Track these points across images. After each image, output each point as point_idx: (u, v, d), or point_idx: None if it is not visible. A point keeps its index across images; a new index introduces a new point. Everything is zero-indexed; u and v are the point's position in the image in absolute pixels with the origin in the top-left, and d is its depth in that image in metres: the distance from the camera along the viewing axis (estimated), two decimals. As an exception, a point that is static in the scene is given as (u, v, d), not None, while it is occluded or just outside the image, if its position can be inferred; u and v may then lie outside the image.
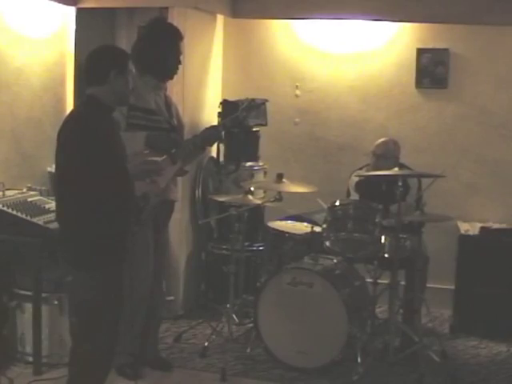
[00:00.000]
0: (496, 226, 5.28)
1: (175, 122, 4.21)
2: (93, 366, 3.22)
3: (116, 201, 3.09)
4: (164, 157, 3.85)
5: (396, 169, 4.71)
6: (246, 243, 4.93)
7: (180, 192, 4.94)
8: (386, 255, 4.42)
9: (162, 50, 4.02)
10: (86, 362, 3.21)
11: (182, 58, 4.19)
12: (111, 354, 3.27)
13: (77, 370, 3.23)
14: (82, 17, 5.30)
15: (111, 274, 3.17)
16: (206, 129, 4.22)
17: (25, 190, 4.48)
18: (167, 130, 4.09)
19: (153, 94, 4.07)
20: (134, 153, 3.54)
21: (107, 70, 3.10)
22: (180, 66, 4.16)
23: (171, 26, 4.25)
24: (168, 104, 4.20)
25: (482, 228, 5.09)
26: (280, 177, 4.53)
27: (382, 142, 4.85)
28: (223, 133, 4.40)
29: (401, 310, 4.60)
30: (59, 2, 5.04)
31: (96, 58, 3.18)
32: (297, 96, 5.80)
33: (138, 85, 3.92)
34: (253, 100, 4.26)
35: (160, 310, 4.41)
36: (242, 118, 4.24)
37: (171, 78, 4.20)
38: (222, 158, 5.55)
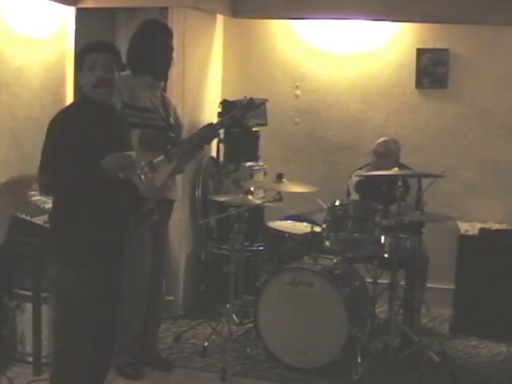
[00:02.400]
0: (496, 226, 5.28)
1: (172, 121, 4.22)
2: (70, 368, 3.20)
3: (89, 197, 3.06)
4: (161, 157, 3.86)
5: (396, 169, 4.72)
6: (246, 243, 4.92)
7: (180, 192, 4.95)
8: (386, 255, 4.43)
9: (151, 48, 4.04)
10: (66, 363, 3.21)
11: (174, 55, 4.21)
12: (96, 358, 3.21)
13: (56, 371, 3.24)
14: (82, 17, 5.30)
15: (100, 274, 3.12)
16: (204, 127, 4.19)
17: (25, 189, 4.47)
18: (163, 128, 4.10)
19: (148, 93, 4.09)
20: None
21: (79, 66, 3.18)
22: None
23: (160, 24, 4.27)
24: (165, 103, 4.21)
25: (482, 229, 5.09)
26: (280, 177, 4.53)
27: (383, 140, 4.85)
28: (222, 131, 4.40)
29: (401, 310, 4.60)
30: (59, 2, 5.04)
31: None
32: (297, 96, 5.80)
33: (132, 84, 4.00)
34: (251, 99, 4.24)
35: (159, 310, 4.42)
36: (239, 116, 4.20)
37: (164, 75, 4.24)
38: (221, 158, 5.55)
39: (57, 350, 3.28)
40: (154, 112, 4.08)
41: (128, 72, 4.10)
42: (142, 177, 3.88)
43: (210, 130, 4.16)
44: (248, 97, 4.33)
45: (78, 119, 3.11)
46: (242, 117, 4.22)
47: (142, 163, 3.88)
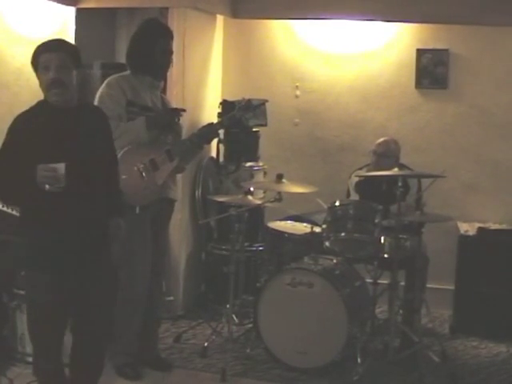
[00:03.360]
0: (496, 226, 5.28)
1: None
2: (37, 369, 3.23)
3: (38, 206, 3.04)
4: (163, 155, 3.88)
5: (396, 169, 4.72)
6: (246, 243, 4.92)
7: (180, 192, 4.94)
8: (386, 255, 4.42)
9: (151, 50, 4.05)
10: (34, 364, 3.27)
11: (174, 55, 4.23)
12: (52, 359, 3.18)
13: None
14: (82, 17, 5.30)
15: (61, 280, 3.07)
16: (204, 126, 4.28)
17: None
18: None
19: (149, 93, 4.11)
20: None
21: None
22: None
23: (160, 25, 4.26)
24: (165, 104, 4.25)
25: (480, 228, 5.09)
26: (280, 177, 4.53)
27: (383, 140, 4.86)
28: (222, 131, 4.45)
29: (401, 311, 4.60)
30: (59, 2, 5.04)
31: None
32: (297, 96, 5.80)
33: (133, 83, 4.04)
34: (249, 100, 4.35)
35: (159, 310, 4.42)
36: (238, 117, 4.30)
37: (163, 75, 4.26)
38: (221, 159, 5.55)
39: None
40: (155, 111, 4.11)
41: (128, 72, 4.13)
42: (144, 174, 3.91)
43: (209, 130, 4.24)
44: (246, 98, 4.40)
45: (27, 121, 3.05)
46: (240, 117, 4.32)
47: (144, 161, 3.92)
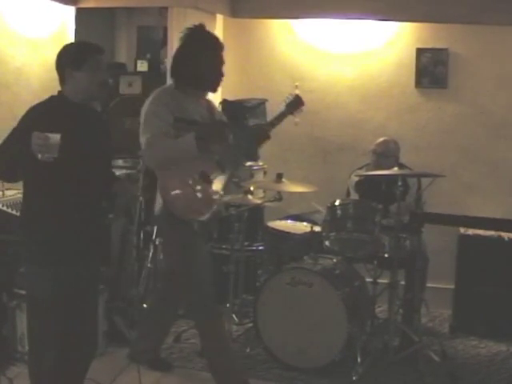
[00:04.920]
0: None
1: None
2: (34, 368, 3.21)
3: (44, 195, 3.08)
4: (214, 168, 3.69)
5: (396, 168, 4.72)
6: (246, 243, 4.92)
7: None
8: (386, 255, 4.43)
9: (200, 62, 3.71)
10: (30, 362, 3.23)
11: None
12: (64, 359, 3.17)
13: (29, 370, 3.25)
14: (82, 16, 5.31)
15: (62, 274, 3.08)
16: (253, 129, 4.03)
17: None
18: None
19: (195, 105, 3.78)
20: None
21: (62, 70, 3.12)
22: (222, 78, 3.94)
23: (210, 35, 3.86)
24: (211, 110, 3.91)
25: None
26: (280, 177, 4.53)
27: (383, 140, 4.86)
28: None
29: (400, 310, 4.60)
30: (59, 2, 5.04)
31: (56, 60, 3.17)
32: (296, 96, 5.79)
33: (178, 97, 3.71)
34: (297, 95, 3.99)
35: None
36: (287, 113, 3.96)
37: (214, 91, 3.87)
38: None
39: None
40: (202, 124, 3.76)
41: (170, 84, 3.85)
42: (196, 188, 3.62)
43: (259, 132, 3.91)
44: (293, 93, 4.03)
45: (41, 113, 3.10)
46: (290, 114, 3.98)
47: (194, 174, 3.64)
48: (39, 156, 2.87)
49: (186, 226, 3.65)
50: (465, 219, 4.58)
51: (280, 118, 3.95)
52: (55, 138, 2.88)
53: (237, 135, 3.80)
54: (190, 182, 3.62)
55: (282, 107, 3.98)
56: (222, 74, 3.81)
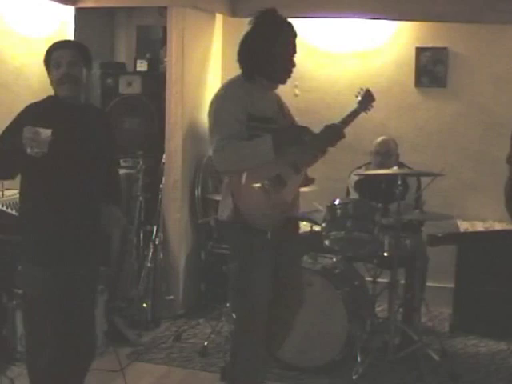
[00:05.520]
0: (496, 225, 5.29)
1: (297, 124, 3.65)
2: (31, 365, 3.22)
3: (37, 194, 3.10)
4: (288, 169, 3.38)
5: (395, 168, 4.72)
6: (246, 242, 4.91)
7: (179, 192, 4.96)
8: (386, 254, 4.43)
9: (274, 49, 3.38)
10: (27, 360, 3.24)
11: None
12: (60, 357, 3.16)
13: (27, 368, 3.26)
14: (81, 16, 5.31)
15: (57, 273, 3.09)
16: (326, 128, 3.59)
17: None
18: None
19: (267, 100, 3.46)
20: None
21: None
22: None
23: (283, 19, 3.49)
24: (280, 105, 3.60)
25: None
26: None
27: (383, 140, 4.86)
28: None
29: (400, 309, 4.60)
30: (58, 2, 5.04)
31: None
32: (296, 95, 5.78)
33: (250, 90, 3.36)
34: (368, 90, 3.80)
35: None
36: (360, 111, 3.78)
37: (284, 82, 3.51)
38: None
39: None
40: (277, 121, 3.46)
41: (238, 76, 3.44)
42: (270, 192, 3.32)
43: (333, 131, 3.60)
44: (364, 88, 3.84)
45: (36, 112, 3.12)
46: (362, 111, 3.79)
47: (269, 177, 3.33)
48: (28, 150, 2.84)
49: (258, 234, 3.32)
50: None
51: (353, 115, 3.73)
52: (46, 132, 2.85)
53: (312, 135, 3.49)
54: (266, 186, 3.30)
55: (354, 104, 3.79)
56: (293, 64, 3.50)
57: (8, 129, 3.10)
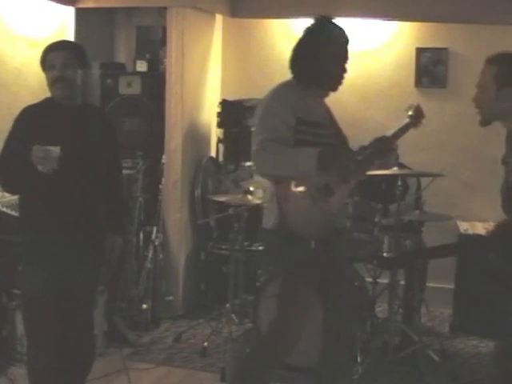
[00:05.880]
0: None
1: (342, 135, 3.60)
2: (30, 364, 3.24)
3: (35, 196, 3.11)
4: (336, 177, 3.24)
5: (395, 168, 4.72)
6: (246, 243, 4.92)
7: (179, 192, 4.96)
8: (386, 254, 4.42)
9: (326, 56, 3.34)
10: (27, 359, 3.26)
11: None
12: (50, 360, 3.16)
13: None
14: (81, 17, 5.31)
15: (56, 275, 3.10)
16: (376, 140, 3.59)
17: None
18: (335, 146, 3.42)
19: (317, 106, 3.43)
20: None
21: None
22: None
23: (337, 26, 3.49)
24: (329, 114, 3.55)
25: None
26: (279, 176, 4.50)
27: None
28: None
29: (400, 310, 4.60)
30: (58, 2, 5.04)
31: None
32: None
33: (302, 95, 3.33)
34: (418, 105, 3.83)
35: None
36: (411, 126, 3.77)
37: (335, 89, 3.47)
38: (221, 158, 5.55)
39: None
40: (326, 127, 3.41)
41: (291, 79, 3.41)
42: (317, 200, 3.20)
43: (383, 143, 3.60)
44: (415, 103, 3.87)
45: (32, 115, 3.15)
46: (413, 126, 3.77)
47: (318, 185, 3.20)
48: (40, 168, 2.95)
49: (303, 245, 3.19)
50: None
51: (404, 129, 3.70)
52: (55, 150, 2.94)
53: (361, 149, 3.46)
54: (314, 193, 3.16)
55: (405, 119, 3.77)
56: (345, 70, 3.43)
57: (10, 138, 3.12)
